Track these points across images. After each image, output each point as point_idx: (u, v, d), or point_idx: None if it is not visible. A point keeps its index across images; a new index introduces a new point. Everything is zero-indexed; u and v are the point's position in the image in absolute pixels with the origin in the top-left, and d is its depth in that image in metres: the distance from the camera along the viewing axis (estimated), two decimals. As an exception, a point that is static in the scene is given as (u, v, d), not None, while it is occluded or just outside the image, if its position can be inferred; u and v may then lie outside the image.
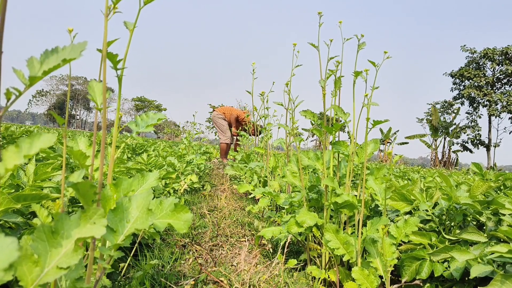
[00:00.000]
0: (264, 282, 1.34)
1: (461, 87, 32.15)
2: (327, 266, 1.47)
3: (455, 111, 30.44)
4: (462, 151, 30.58)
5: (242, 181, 3.73)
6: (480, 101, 31.16)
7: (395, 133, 30.61)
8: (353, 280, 1.21)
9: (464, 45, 31.68)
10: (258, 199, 3.04)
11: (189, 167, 3.47)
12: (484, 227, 1.48)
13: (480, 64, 31.53)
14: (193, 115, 4.99)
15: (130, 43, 0.72)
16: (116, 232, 0.71)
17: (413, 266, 1.30)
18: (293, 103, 1.69)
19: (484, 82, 30.24)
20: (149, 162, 2.87)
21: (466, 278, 1.25)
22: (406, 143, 30.61)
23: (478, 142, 30.91)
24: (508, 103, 29.19)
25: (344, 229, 1.59)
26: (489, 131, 30.99)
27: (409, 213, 1.77)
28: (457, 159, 28.70)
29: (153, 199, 0.78)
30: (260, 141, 3.40)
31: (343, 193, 1.36)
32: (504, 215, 1.45)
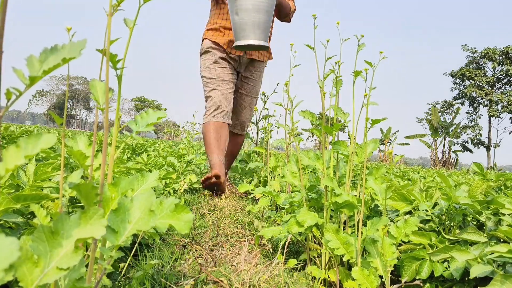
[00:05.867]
0: (264, 282, 1.34)
1: (461, 87, 32.12)
2: (327, 266, 1.47)
3: (456, 111, 30.42)
4: (462, 151, 30.56)
5: (242, 181, 3.73)
6: (481, 101, 31.14)
7: (395, 133, 30.57)
8: (353, 279, 1.20)
9: (465, 44, 31.61)
10: (258, 199, 3.04)
11: (189, 167, 3.47)
12: (484, 227, 1.48)
13: (481, 64, 31.50)
14: (193, 115, 5.00)
15: (130, 42, 0.72)
16: (117, 233, 0.71)
17: (413, 266, 1.30)
18: (292, 103, 1.69)
19: (485, 81, 30.23)
20: (149, 162, 2.87)
21: (466, 278, 1.25)
22: (407, 144, 30.51)
23: (478, 142, 30.90)
24: (509, 103, 29.18)
25: (344, 229, 1.59)
26: (489, 131, 30.97)
27: (409, 213, 1.77)
28: (457, 159, 28.68)
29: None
30: (260, 141, 3.40)
31: (342, 193, 1.36)
32: (504, 215, 1.45)
